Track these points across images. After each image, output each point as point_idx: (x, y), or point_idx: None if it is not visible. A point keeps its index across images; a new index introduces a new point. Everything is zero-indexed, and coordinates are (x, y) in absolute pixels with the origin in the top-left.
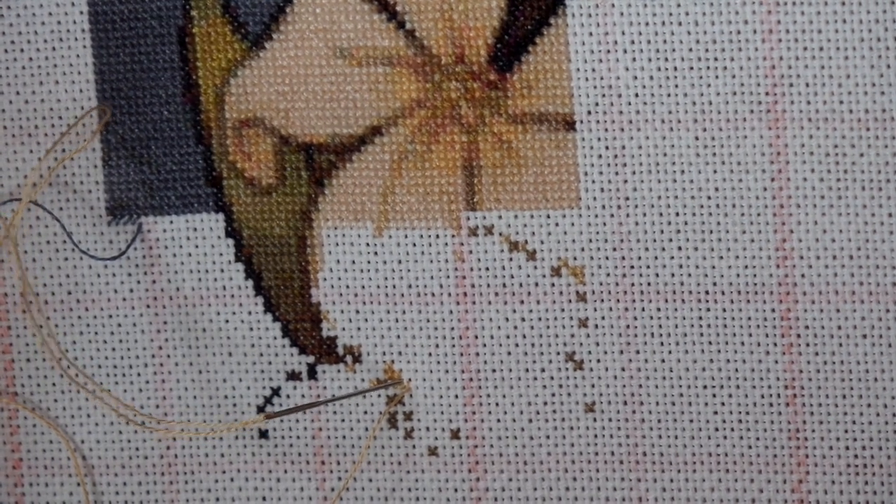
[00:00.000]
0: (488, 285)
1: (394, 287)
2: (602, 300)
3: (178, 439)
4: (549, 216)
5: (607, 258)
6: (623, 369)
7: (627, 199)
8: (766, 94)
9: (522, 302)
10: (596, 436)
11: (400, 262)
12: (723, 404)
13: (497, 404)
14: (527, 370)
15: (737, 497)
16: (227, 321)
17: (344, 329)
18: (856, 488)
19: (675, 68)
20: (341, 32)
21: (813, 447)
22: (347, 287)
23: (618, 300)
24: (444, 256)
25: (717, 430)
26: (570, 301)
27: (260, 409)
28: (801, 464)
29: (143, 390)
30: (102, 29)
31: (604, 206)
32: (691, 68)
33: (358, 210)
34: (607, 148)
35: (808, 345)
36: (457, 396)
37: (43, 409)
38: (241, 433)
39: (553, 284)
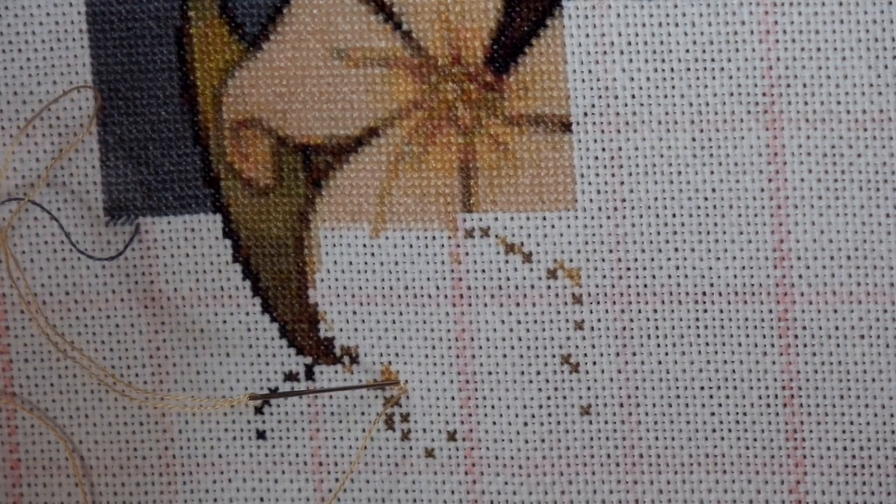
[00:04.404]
0: (484, 287)
1: (391, 288)
2: (598, 302)
3: (176, 440)
4: (545, 218)
5: (604, 260)
6: (619, 371)
7: (624, 200)
8: (764, 94)
9: (518, 304)
10: (592, 438)
11: (397, 263)
12: (720, 405)
13: (493, 406)
14: (523, 372)
15: (734, 498)
16: (224, 322)
17: (341, 330)
18: (853, 489)
19: (672, 69)
20: (338, 33)
21: (810, 448)
22: (344, 288)
23: (614, 302)
24: (440, 258)
25: (714, 431)
26: (566, 303)
27: (258, 410)
28: (799, 464)
29: (141, 390)
30: (100, 29)
31: (600, 208)
32: (688, 69)
33: (355, 211)
34: (604, 149)
35: (805, 345)
36: (453, 398)
37: (41, 409)
38: (238, 433)
39: (549, 286)
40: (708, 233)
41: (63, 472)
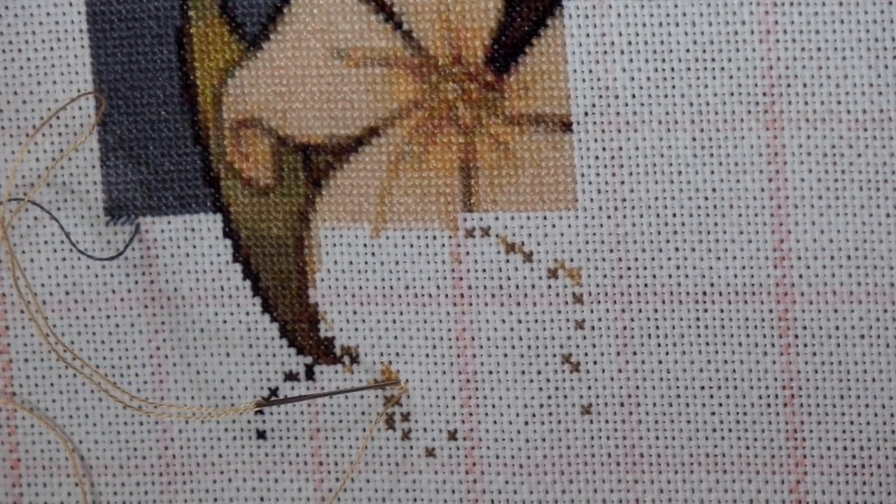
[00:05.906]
0: (485, 287)
1: (391, 288)
2: (599, 302)
3: (176, 440)
4: (545, 217)
5: (604, 260)
6: (620, 371)
7: (624, 200)
8: (764, 94)
9: (519, 304)
10: (593, 437)
11: (397, 263)
12: (720, 405)
13: (494, 406)
14: (523, 372)
15: (734, 498)
16: (224, 321)
17: (341, 330)
18: (853, 489)
19: (673, 69)
20: (338, 33)
21: (811, 447)
22: (345, 288)
23: (615, 301)
24: (441, 258)
25: (714, 430)
26: (566, 303)
27: (258, 410)
28: (799, 464)
29: (141, 390)
30: (100, 29)
31: (601, 208)
32: (688, 69)
33: (355, 211)
34: (604, 149)
35: (805, 345)
36: (454, 397)
37: (41, 409)
38: (238, 433)
39: (550, 286)
40: (708, 233)
41: (63, 472)
